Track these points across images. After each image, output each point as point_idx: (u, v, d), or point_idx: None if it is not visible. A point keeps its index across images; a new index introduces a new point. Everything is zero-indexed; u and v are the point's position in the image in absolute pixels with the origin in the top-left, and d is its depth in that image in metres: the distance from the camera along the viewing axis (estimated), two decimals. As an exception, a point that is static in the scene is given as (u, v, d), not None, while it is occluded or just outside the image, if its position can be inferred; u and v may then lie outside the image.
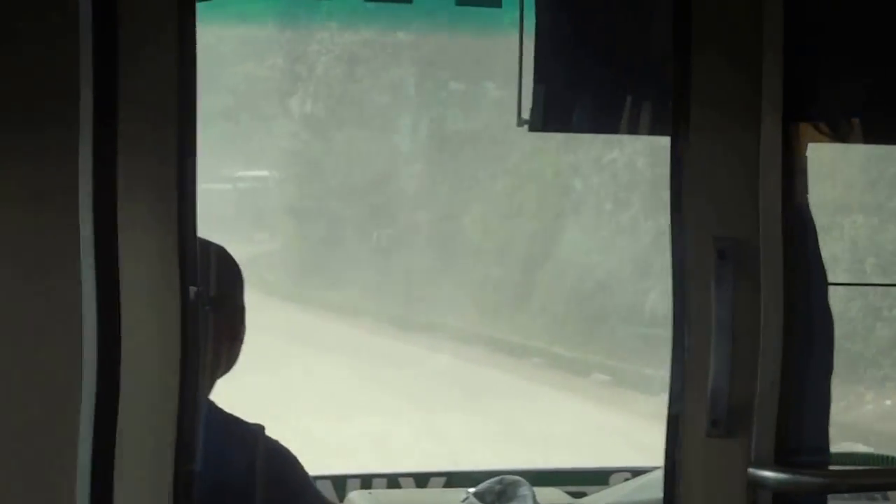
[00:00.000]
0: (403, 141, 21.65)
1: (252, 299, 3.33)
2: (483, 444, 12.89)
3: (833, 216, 15.04)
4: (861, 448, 3.71)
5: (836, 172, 15.09)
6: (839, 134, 3.14)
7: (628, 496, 4.62)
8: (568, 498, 4.82)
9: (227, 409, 3.24)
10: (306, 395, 14.78)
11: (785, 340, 2.87)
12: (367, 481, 4.80)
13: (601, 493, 4.85)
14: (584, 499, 4.82)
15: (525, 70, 3.27)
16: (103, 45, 2.59)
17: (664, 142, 2.99)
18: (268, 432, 3.23)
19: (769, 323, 2.87)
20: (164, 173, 2.60)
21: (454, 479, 4.87)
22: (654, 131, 3.20)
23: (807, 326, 2.94)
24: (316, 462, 3.84)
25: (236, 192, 23.89)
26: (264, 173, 24.25)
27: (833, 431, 3.04)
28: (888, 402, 14.42)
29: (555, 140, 19.40)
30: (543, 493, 4.64)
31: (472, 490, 4.55)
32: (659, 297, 16.06)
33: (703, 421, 2.87)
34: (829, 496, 3.07)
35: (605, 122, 3.32)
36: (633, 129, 3.21)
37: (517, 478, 4.49)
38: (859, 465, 3.52)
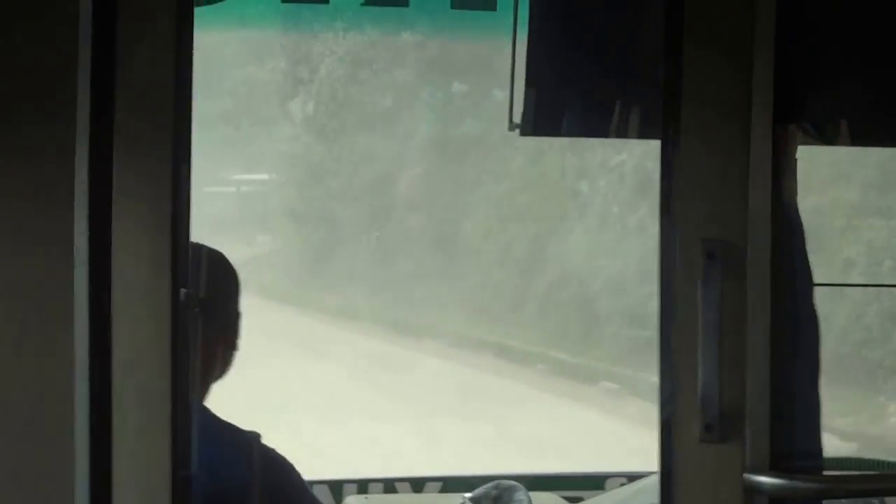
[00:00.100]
0: (405, 143, 21.67)
1: (250, 302, 3.35)
2: (492, 455, 12.81)
3: (850, 218, 15.04)
4: None
5: (854, 174, 15.08)
6: (829, 136, 3.18)
7: (624, 501, 4.66)
8: (564, 503, 4.86)
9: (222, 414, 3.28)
10: (302, 401, 14.71)
11: (773, 342, 2.91)
12: (363, 486, 4.85)
13: (597, 497, 4.90)
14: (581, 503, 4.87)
15: (517, 74, 3.31)
16: (101, 47, 2.63)
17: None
18: (263, 440, 3.26)
19: (757, 325, 2.90)
20: (158, 176, 2.63)
21: (450, 484, 4.91)
22: (644, 134, 3.23)
23: (794, 328, 2.98)
24: (313, 469, 3.89)
25: (239, 195, 23.96)
26: (265, 176, 24.33)
27: (859, 445, 3.06)
28: (913, 413, 14.29)
29: (559, 143, 19.42)
30: (540, 497, 4.69)
31: (468, 495, 4.59)
32: (665, 302, 16.00)
33: (696, 426, 2.89)
34: (826, 501, 3.10)
35: (596, 125, 3.35)
36: (624, 133, 3.24)
37: (513, 483, 4.53)
38: (857, 470, 3.55)
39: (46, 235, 2.59)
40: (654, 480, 2.99)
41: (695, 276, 2.91)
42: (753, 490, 2.90)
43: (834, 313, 14.47)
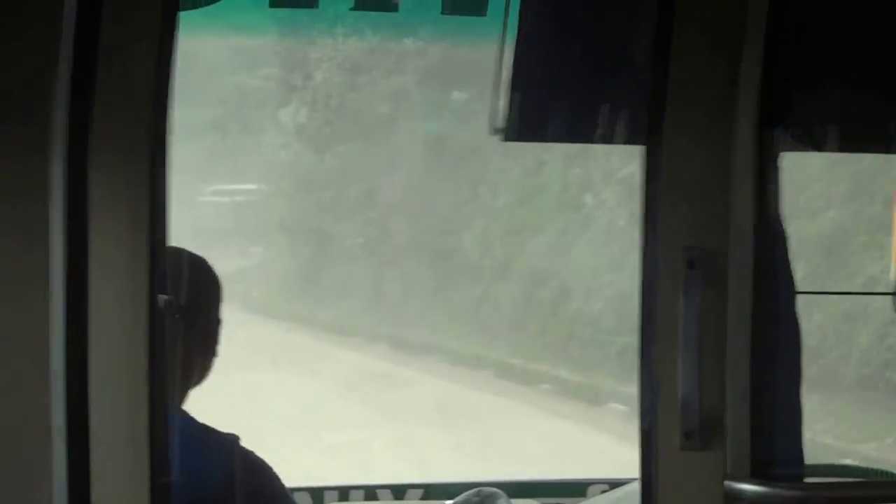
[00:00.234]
0: (399, 153, 21.69)
1: (238, 317, 3.41)
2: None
3: (873, 234, 15.03)
4: None
5: (877, 189, 15.06)
6: (814, 143, 3.30)
7: None
8: None
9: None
10: (289, 422, 14.50)
11: (753, 350, 3.02)
12: (344, 493, 4.96)
13: None
14: None
15: (503, 79, 3.42)
16: (83, 47, 2.69)
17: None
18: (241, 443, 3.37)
19: (737, 333, 3.01)
20: (136, 180, 2.71)
21: (431, 492, 5.03)
22: (628, 141, 3.35)
23: (776, 336, 3.09)
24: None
25: (228, 205, 23.99)
26: (254, 186, 24.35)
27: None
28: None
29: (561, 154, 19.45)
30: (521, 505, 4.82)
31: (449, 502, 4.71)
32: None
33: (677, 433, 3.01)
34: None
35: (579, 131, 3.46)
36: (608, 139, 3.36)
37: (495, 490, 4.64)
38: (838, 476, 3.66)
39: (22, 240, 2.65)
40: (636, 488, 3.10)
41: (676, 283, 3.03)
42: (734, 497, 3.02)
43: (856, 333, 14.51)
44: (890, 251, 15.15)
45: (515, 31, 3.39)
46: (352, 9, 4.39)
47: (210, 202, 24.05)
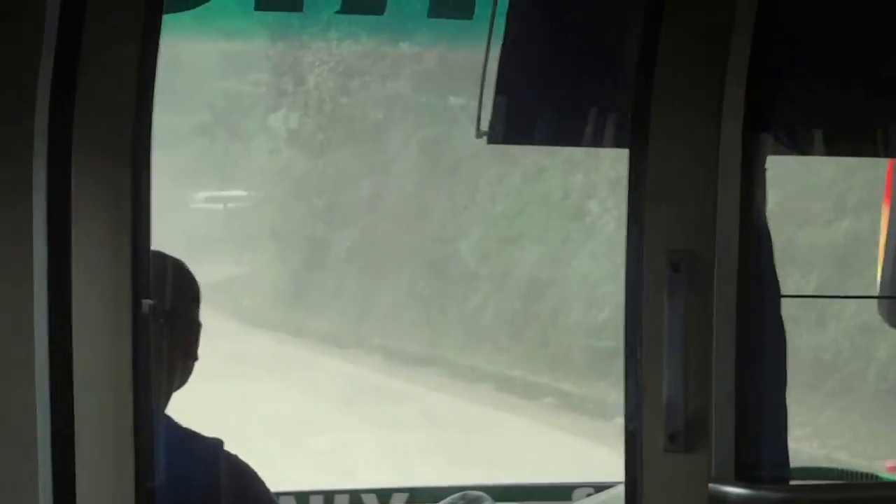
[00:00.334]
0: (395, 159, 21.71)
1: (228, 327, 3.47)
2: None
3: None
4: None
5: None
6: (800, 145, 3.40)
7: None
8: None
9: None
10: (282, 441, 14.22)
11: (738, 353, 3.12)
12: (329, 498, 5.06)
13: None
14: None
15: (487, 82, 3.51)
16: (65, 51, 2.75)
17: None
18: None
19: (722, 336, 3.10)
20: (118, 185, 2.77)
21: (416, 496, 5.12)
22: (614, 144, 3.44)
23: (760, 339, 3.19)
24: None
25: (218, 212, 24.05)
26: (244, 193, 24.39)
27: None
28: None
29: (562, 160, 19.48)
30: (507, 509, 4.92)
31: None
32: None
33: (661, 436, 3.10)
34: None
35: (564, 134, 3.56)
36: (594, 142, 3.45)
37: (480, 493, 4.74)
38: (823, 479, 3.75)
39: (4, 244, 2.71)
40: (621, 491, 3.19)
41: (661, 286, 3.12)
42: (719, 500, 3.11)
43: (874, 348, 14.54)
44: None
45: (503, 34, 3.48)
46: (337, 12, 4.48)
47: (200, 209, 24.14)
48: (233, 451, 3.47)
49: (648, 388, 3.12)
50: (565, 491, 5.24)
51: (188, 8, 3.73)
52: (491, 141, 3.49)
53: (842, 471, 3.61)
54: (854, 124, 3.37)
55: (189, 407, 3.77)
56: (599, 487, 5.02)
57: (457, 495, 4.70)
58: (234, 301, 21.40)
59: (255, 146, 23.81)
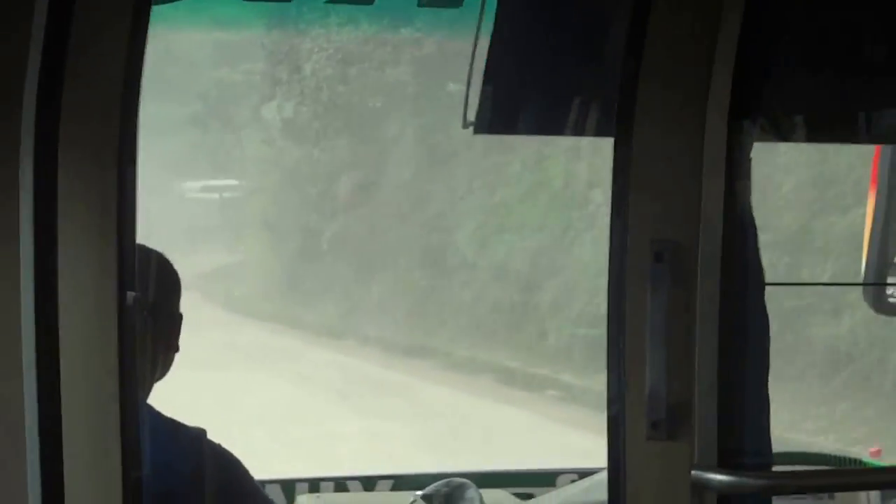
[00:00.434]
0: (391, 147, 21.73)
1: (220, 318, 3.54)
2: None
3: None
4: None
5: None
6: (785, 133, 3.48)
7: (574, 497, 4.98)
8: (515, 500, 5.16)
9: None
10: (288, 445, 14.00)
11: (721, 342, 3.20)
12: (314, 485, 5.18)
13: (548, 494, 5.19)
14: (531, 500, 5.19)
15: (475, 72, 3.59)
16: (53, 43, 2.79)
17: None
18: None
19: (705, 325, 3.18)
20: (105, 179, 2.83)
21: (401, 483, 5.23)
22: (599, 132, 3.52)
23: (744, 327, 3.27)
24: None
25: (210, 202, 24.11)
26: (236, 182, 24.45)
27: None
28: None
29: (563, 149, 19.48)
30: (490, 495, 4.95)
31: (419, 493, 4.91)
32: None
33: (644, 423, 3.19)
34: (775, 496, 3.39)
35: (550, 123, 3.64)
36: (579, 131, 3.53)
37: (464, 480, 4.84)
38: (805, 464, 3.84)
39: None
40: (604, 477, 3.28)
41: (644, 275, 3.20)
42: (701, 486, 3.19)
43: (893, 338, 14.58)
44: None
45: (493, 22, 3.55)
46: (327, 1, 4.55)
47: (193, 199, 24.21)
48: (216, 441, 3.57)
49: (631, 376, 3.20)
50: (549, 477, 5.34)
51: (176, -2, 3.80)
52: (477, 131, 3.56)
53: (824, 456, 3.70)
54: (840, 111, 3.44)
55: (179, 397, 3.86)
56: (583, 473, 5.12)
57: (441, 482, 4.80)
58: (227, 291, 21.44)
59: (248, 136, 23.85)
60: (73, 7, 2.82)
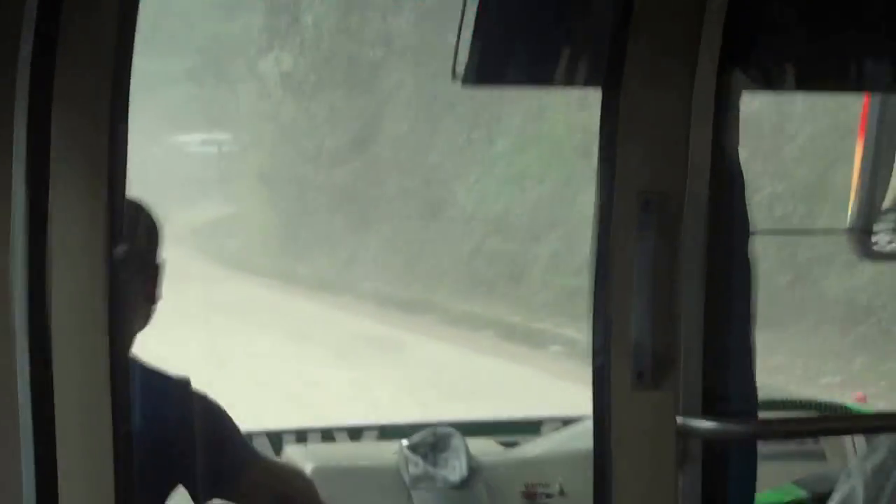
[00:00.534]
0: (388, 99, 21.70)
1: (211, 273, 3.56)
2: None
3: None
4: None
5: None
6: (775, 84, 3.54)
7: (560, 445, 5.09)
8: (500, 448, 5.29)
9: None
10: (287, 401, 13.88)
11: (707, 291, 3.29)
12: (301, 436, 5.29)
13: (532, 442, 5.31)
14: (517, 448, 5.29)
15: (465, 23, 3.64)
16: (47, 3, 2.80)
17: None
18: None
19: (690, 274, 3.25)
20: (97, 133, 2.85)
21: (387, 433, 5.34)
22: (588, 83, 3.58)
23: (728, 277, 3.35)
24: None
25: (201, 156, 24.16)
26: (229, 136, 24.48)
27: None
28: None
29: (565, 99, 19.48)
30: (476, 443, 5.11)
31: (405, 442, 5.03)
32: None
33: (629, 373, 3.27)
34: (761, 442, 3.47)
35: (539, 75, 3.70)
36: (568, 81, 3.59)
37: (450, 429, 4.94)
38: (791, 410, 3.92)
39: None
40: (589, 425, 3.36)
41: (630, 224, 3.27)
42: (686, 433, 3.26)
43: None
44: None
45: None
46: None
47: (189, 153, 24.25)
48: (202, 391, 3.65)
49: (616, 325, 3.27)
50: (534, 426, 5.45)
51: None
52: (465, 83, 3.61)
53: (808, 402, 3.77)
54: (831, 61, 3.51)
55: (170, 352, 3.93)
56: (568, 422, 5.22)
57: (426, 431, 4.90)
58: (221, 245, 21.47)
59: (245, 89, 23.84)
60: None
